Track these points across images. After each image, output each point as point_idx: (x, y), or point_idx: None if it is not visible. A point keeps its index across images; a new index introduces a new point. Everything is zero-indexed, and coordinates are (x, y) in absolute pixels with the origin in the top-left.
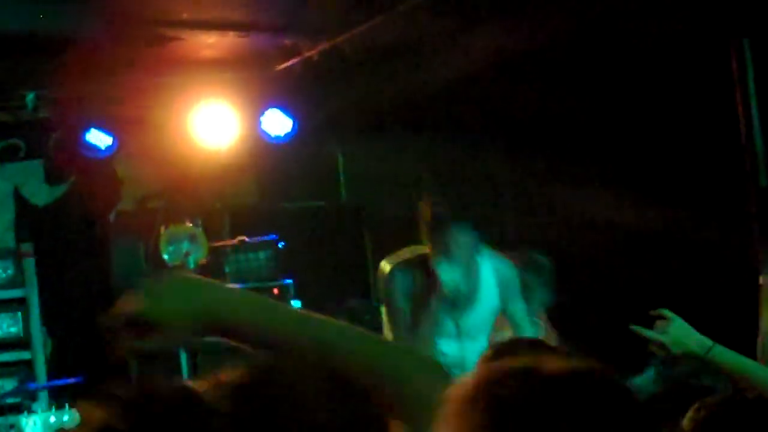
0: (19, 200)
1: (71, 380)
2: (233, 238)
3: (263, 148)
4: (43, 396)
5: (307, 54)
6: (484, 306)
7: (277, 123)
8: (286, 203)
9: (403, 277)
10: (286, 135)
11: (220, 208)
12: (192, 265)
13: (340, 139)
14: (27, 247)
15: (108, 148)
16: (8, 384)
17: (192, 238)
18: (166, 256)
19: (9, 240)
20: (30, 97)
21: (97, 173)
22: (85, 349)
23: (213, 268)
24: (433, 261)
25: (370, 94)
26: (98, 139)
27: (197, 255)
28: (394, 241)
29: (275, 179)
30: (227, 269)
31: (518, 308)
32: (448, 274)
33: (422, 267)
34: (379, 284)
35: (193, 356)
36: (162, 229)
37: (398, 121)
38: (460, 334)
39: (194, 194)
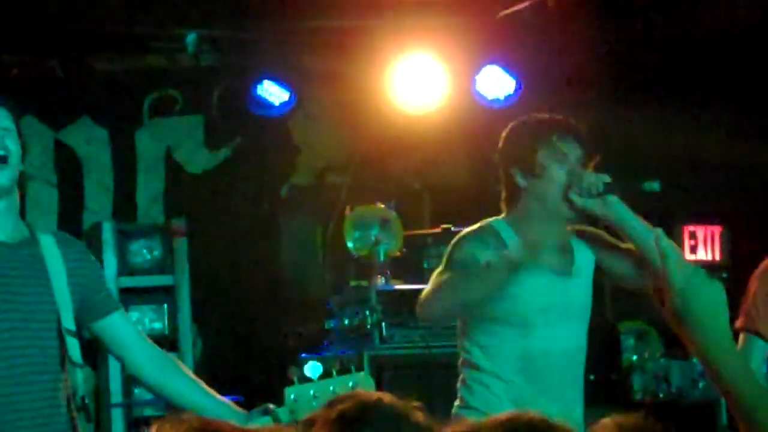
0: (172, 166)
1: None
2: (435, 226)
3: (477, 113)
4: None
5: None
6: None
7: (496, 83)
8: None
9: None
10: (506, 98)
11: (419, 188)
12: (382, 257)
13: (575, 107)
14: (179, 223)
15: (283, 105)
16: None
17: (383, 224)
18: (350, 244)
19: (157, 214)
20: (191, 38)
21: (269, 136)
22: (243, 354)
23: (408, 262)
24: None
25: (618, 50)
26: (272, 93)
27: (389, 245)
28: None
29: (491, 154)
30: (426, 265)
31: None
32: None
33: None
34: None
35: (378, 373)
36: (346, 209)
37: (654, 85)
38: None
39: (388, 169)
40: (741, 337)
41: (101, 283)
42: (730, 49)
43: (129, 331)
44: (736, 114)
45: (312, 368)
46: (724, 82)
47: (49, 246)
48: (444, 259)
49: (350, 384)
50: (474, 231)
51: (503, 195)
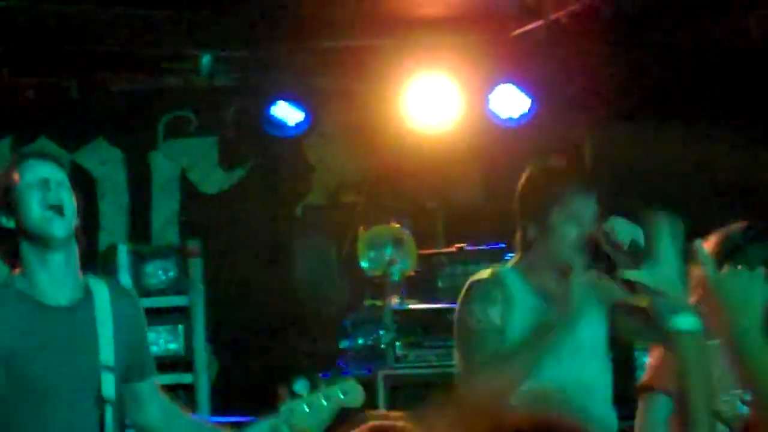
0: (186, 186)
1: (240, 419)
2: (449, 245)
3: (491, 132)
4: None
5: (553, 16)
6: None
7: (510, 101)
8: None
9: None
10: (520, 117)
11: (433, 207)
12: (397, 276)
13: (590, 124)
14: (194, 244)
15: (298, 125)
16: None
17: (398, 243)
18: (364, 264)
19: (172, 235)
20: (205, 59)
21: (283, 156)
22: (258, 374)
23: (423, 281)
24: None
25: (633, 67)
26: (287, 114)
27: (404, 264)
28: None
29: (505, 172)
30: (440, 283)
31: None
32: None
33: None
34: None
35: (392, 392)
36: (361, 229)
37: (671, 102)
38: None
39: (402, 188)
40: None
41: (145, 344)
42: (747, 65)
43: (156, 399)
44: (753, 130)
45: (300, 385)
46: (742, 99)
47: (103, 302)
48: (462, 334)
49: (339, 392)
50: (478, 286)
51: (518, 237)
